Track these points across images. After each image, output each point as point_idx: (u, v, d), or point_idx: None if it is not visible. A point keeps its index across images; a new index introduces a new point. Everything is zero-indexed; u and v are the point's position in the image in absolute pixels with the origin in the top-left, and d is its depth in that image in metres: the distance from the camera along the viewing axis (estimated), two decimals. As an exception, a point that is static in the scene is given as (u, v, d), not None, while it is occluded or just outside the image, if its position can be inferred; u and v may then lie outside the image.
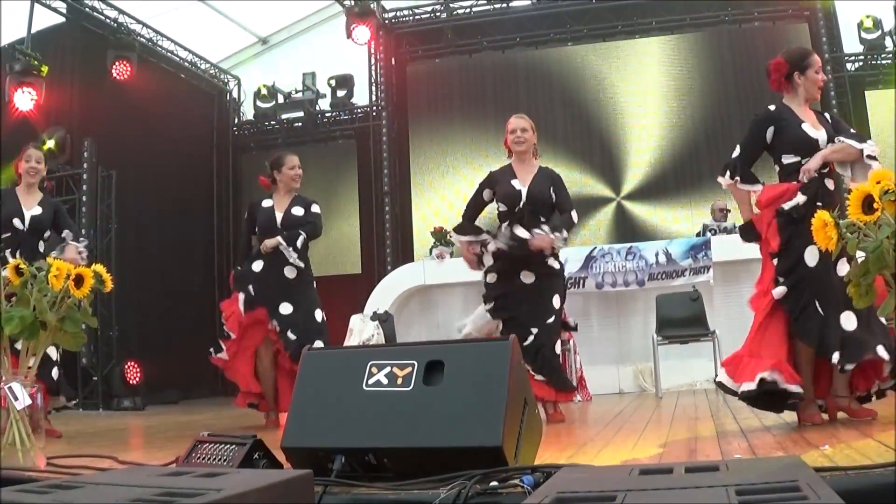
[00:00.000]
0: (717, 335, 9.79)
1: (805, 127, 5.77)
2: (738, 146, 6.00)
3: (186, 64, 16.80)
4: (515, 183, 7.53)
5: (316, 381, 4.06)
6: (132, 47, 14.56)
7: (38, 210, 7.94)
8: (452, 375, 3.76)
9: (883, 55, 14.75)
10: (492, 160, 15.47)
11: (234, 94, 18.18)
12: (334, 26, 16.81)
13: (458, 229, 7.79)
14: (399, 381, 3.82)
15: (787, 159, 5.78)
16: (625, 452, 4.88)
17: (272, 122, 17.79)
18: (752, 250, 11.34)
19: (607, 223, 15.34)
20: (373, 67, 16.93)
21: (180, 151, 15.85)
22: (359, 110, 17.24)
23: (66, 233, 8.05)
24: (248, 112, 18.05)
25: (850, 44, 14.95)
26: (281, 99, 17.62)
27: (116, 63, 14.24)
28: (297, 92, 17.46)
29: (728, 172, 5.92)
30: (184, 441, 4.21)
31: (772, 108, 6.00)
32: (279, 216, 8.14)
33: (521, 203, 7.46)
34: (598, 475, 3.05)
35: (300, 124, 17.53)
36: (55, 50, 13.79)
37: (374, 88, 16.95)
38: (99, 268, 5.16)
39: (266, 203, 8.25)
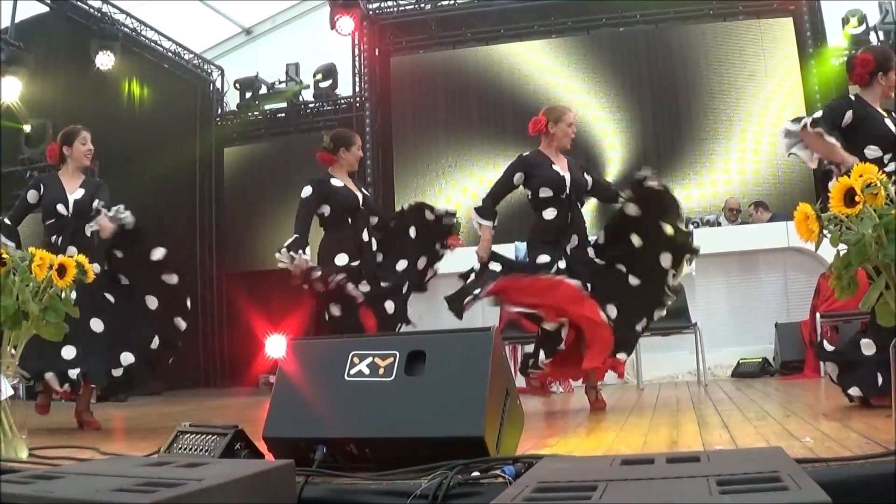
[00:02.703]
0: (699, 327, 9.81)
1: (888, 122, 5.90)
2: (818, 112, 5.98)
3: (170, 54, 16.74)
4: (558, 169, 7.55)
5: (298, 371, 4.06)
6: (116, 37, 14.50)
7: (80, 193, 7.77)
8: (434, 366, 3.77)
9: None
10: (475, 151, 15.57)
11: (218, 85, 18.12)
12: (318, 17, 16.78)
13: (482, 212, 7.62)
14: (381, 371, 3.83)
15: (871, 153, 5.81)
16: (606, 443, 4.89)
17: (255, 113, 17.69)
18: (734, 243, 11.41)
19: (592, 215, 15.33)
20: (356, 59, 16.89)
21: (163, 141, 15.79)
22: (342, 101, 17.14)
23: (96, 202, 7.77)
24: (231, 103, 18.00)
25: (835, 38, 14.95)
26: (264, 89, 17.57)
27: (100, 53, 14.18)
28: (280, 82, 17.42)
29: (810, 121, 5.85)
30: (166, 432, 4.20)
31: (851, 97, 6.14)
32: (360, 196, 7.88)
33: (567, 189, 7.50)
34: (579, 465, 3.06)
35: (283, 115, 17.47)
36: (39, 40, 13.74)
37: (357, 80, 16.92)
38: (81, 258, 5.14)
39: (336, 182, 7.84)
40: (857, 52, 6.35)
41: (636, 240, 7.17)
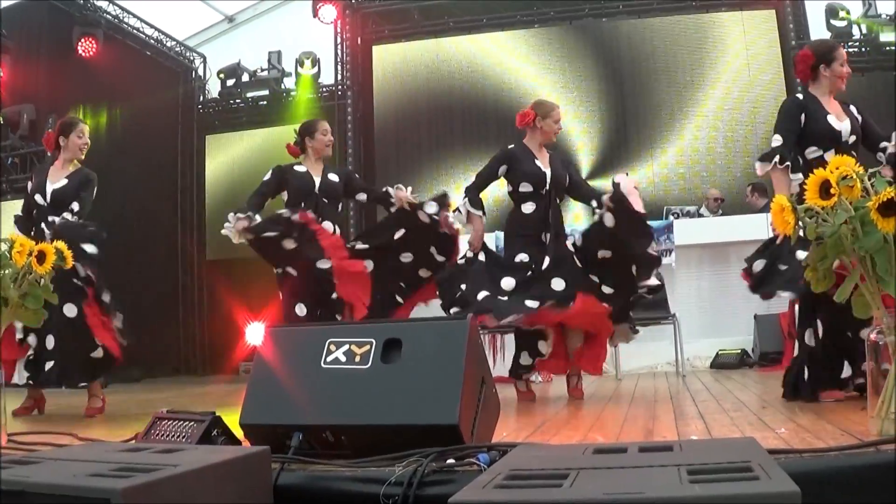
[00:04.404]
0: (678, 319, 9.84)
1: (830, 119, 5.99)
2: (776, 136, 6.07)
3: (152, 41, 16.63)
4: (539, 164, 7.67)
5: (275, 358, 4.07)
6: (98, 24, 14.46)
7: (62, 183, 7.74)
8: (410, 354, 3.79)
9: (850, 42, 14.81)
10: (457, 140, 15.55)
11: (200, 72, 18.07)
12: (300, 5, 16.76)
13: (474, 203, 7.70)
14: (357, 358, 3.84)
15: (811, 153, 5.99)
16: (582, 432, 4.91)
17: (237, 101, 17.68)
18: (714, 234, 11.43)
19: (577, 206, 15.28)
20: (338, 47, 16.86)
21: (145, 128, 15.72)
22: (324, 90, 17.13)
23: (73, 204, 7.78)
24: (213, 90, 17.96)
25: (818, 31, 14.98)
26: (246, 77, 17.53)
27: (82, 40, 14.14)
28: (262, 70, 17.38)
29: (777, 158, 5.94)
30: (145, 419, 4.22)
31: (799, 96, 6.25)
32: (317, 181, 8.04)
33: (547, 184, 7.64)
34: (552, 453, 3.08)
35: (265, 103, 17.43)
36: (21, 26, 13.71)
37: (339, 68, 16.89)
38: (60, 244, 5.15)
39: (299, 168, 8.10)
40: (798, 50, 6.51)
41: (605, 253, 7.29)
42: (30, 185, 7.92)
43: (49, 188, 7.69)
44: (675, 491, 2.17)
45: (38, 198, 7.68)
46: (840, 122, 5.96)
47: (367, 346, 3.86)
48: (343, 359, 3.87)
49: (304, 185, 8.00)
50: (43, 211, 7.67)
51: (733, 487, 2.17)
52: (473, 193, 7.73)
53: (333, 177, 8.20)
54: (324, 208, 8.01)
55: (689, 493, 2.14)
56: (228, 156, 17.35)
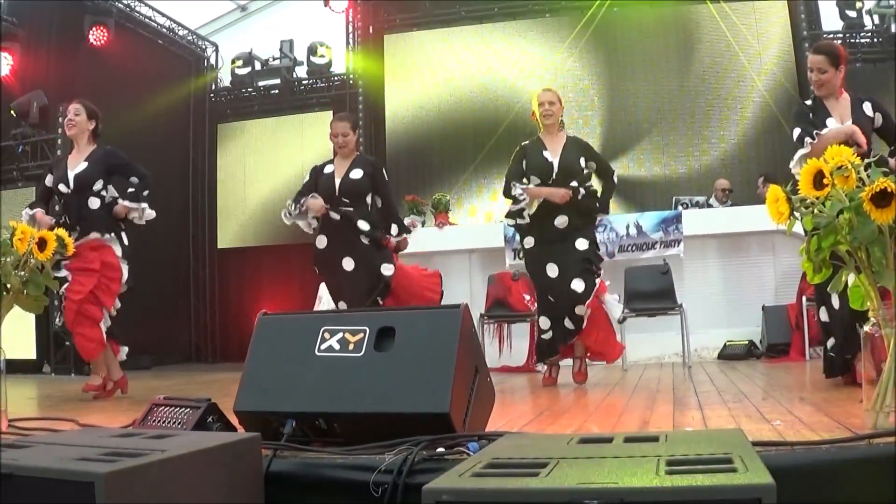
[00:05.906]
0: (685, 309, 9.83)
1: (829, 121, 6.08)
2: (795, 129, 6.17)
3: (164, 30, 16.61)
4: (547, 154, 7.76)
5: (270, 345, 4.10)
6: (109, 13, 14.45)
7: (82, 166, 7.80)
8: (403, 342, 3.82)
9: (863, 32, 14.79)
10: (468, 128, 15.53)
11: (212, 61, 18.07)
12: (312, -6, 16.78)
13: (509, 193, 7.83)
14: (351, 346, 3.87)
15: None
16: (579, 422, 4.93)
17: (249, 90, 17.67)
18: (723, 225, 11.39)
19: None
20: (350, 36, 16.85)
21: (157, 118, 15.68)
22: (335, 78, 17.14)
23: (132, 180, 8.16)
24: (225, 79, 17.96)
25: (830, 21, 14.96)
26: (258, 66, 17.54)
27: (93, 29, 14.13)
28: (274, 59, 17.38)
29: (806, 138, 6.00)
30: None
31: (808, 102, 6.40)
32: (337, 182, 7.86)
33: (554, 174, 7.67)
34: (538, 443, 3.10)
35: (277, 91, 17.43)
36: (32, 15, 13.72)
37: (351, 57, 16.89)
38: (61, 232, 5.18)
39: (328, 168, 8.02)
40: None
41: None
42: (50, 177, 7.96)
43: (71, 175, 7.73)
44: (650, 482, 2.19)
45: (61, 187, 7.73)
46: (839, 123, 6.02)
47: (361, 335, 3.89)
48: (337, 347, 3.90)
49: (325, 187, 7.88)
50: (67, 199, 7.76)
51: (708, 479, 2.18)
52: (508, 188, 7.85)
53: (357, 173, 7.92)
54: (347, 209, 7.86)
55: (664, 484, 2.15)
56: (240, 144, 17.37)
